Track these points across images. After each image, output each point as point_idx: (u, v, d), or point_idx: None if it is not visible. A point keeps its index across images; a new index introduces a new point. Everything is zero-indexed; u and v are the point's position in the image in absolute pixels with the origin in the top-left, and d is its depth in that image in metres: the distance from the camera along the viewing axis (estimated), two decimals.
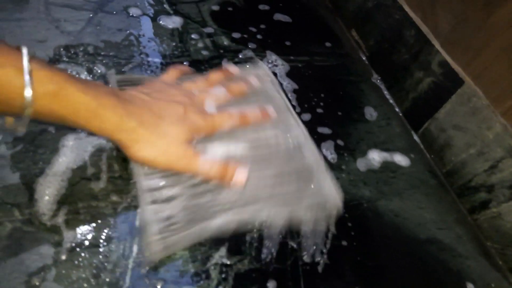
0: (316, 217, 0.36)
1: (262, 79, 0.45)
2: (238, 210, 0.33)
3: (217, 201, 0.34)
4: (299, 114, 0.47)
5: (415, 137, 0.51)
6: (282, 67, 0.51)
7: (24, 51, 0.26)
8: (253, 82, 0.43)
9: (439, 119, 0.48)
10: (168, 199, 0.33)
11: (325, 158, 0.44)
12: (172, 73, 0.41)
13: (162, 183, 0.33)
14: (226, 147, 0.37)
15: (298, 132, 0.41)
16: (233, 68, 0.44)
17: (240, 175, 0.34)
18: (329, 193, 0.37)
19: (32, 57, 0.26)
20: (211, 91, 0.39)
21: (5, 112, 0.27)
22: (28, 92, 0.25)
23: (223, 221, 0.33)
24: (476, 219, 0.44)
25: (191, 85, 0.39)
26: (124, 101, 0.31)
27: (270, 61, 0.51)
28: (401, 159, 0.46)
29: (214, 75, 0.42)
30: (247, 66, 0.47)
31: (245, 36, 0.54)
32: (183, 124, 0.34)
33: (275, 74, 0.50)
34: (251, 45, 0.53)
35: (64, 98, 0.27)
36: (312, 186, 0.37)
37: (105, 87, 0.32)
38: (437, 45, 0.47)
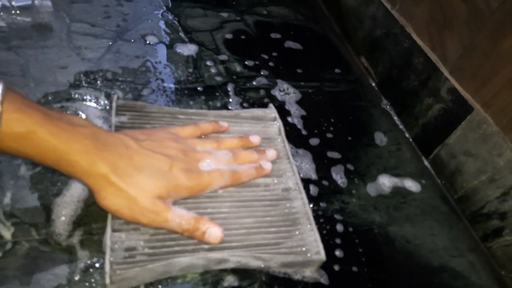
0: (295, 261, 0.34)
1: (269, 124, 0.45)
2: (202, 254, 0.32)
3: (182, 240, 0.33)
4: (307, 138, 0.48)
5: (426, 163, 0.51)
6: (293, 95, 0.53)
7: None
8: (270, 154, 0.40)
9: (450, 145, 0.48)
10: (133, 230, 0.32)
11: (335, 182, 0.44)
12: (187, 129, 0.39)
13: None
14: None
15: (291, 181, 0.40)
16: (255, 139, 0.41)
17: (213, 234, 0.32)
18: (311, 241, 0.35)
19: (8, 95, 0.26)
20: (215, 152, 0.37)
21: None
22: None
23: (187, 262, 0.31)
24: (489, 247, 0.43)
25: (197, 142, 0.38)
26: (102, 146, 0.30)
27: (281, 89, 0.53)
28: (411, 185, 0.46)
29: (229, 141, 0.40)
30: (257, 109, 0.47)
31: (257, 63, 0.56)
32: (161, 180, 0.32)
33: (284, 102, 0.51)
34: (263, 72, 0.55)
35: (31, 141, 0.27)
36: (295, 233, 0.36)
37: (87, 128, 0.31)
38: (446, 73, 0.48)
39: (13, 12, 0.46)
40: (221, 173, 0.36)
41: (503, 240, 0.42)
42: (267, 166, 0.39)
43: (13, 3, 0.46)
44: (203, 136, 0.40)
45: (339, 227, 0.40)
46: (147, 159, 0.32)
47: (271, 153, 0.41)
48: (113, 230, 0.31)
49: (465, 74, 0.46)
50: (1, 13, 0.45)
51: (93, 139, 0.30)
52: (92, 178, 0.30)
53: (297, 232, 0.36)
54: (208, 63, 0.53)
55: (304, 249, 0.35)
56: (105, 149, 0.30)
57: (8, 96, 0.27)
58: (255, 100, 0.50)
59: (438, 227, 0.43)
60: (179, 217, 0.32)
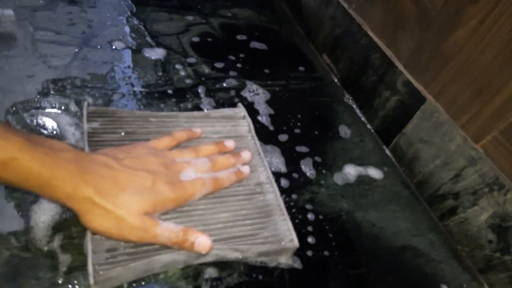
0: (271, 250, 0.36)
1: (239, 123, 0.47)
2: (182, 250, 0.33)
3: None
4: (276, 134, 0.50)
5: (387, 152, 0.55)
6: (263, 95, 0.55)
7: None
8: (245, 156, 0.42)
9: (407, 133, 0.52)
10: None
11: (305, 174, 0.47)
12: (164, 141, 0.40)
13: None
14: None
15: (263, 175, 0.42)
16: (229, 143, 0.43)
17: (202, 244, 0.33)
18: (285, 230, 0.38)
19: None
20: (195, 161, 0.38)
21: None
22: None
23: (168, 259, 0.33)
24: (446, 225, 0.47)
25: (175, 153, 0.39)
26: (84, 169, 0.30)
27: (251, 90, 0.55)
28: (375, 173, 0.50)
29: (206, 149, 0.41)
30: (226, 109, 0.49)
31: (225, 64, 0.58)
32: (146, 196, 0.33)
33: (253, 102, 0.53)
34: (231, 73, 0.57)
35: (14, 167, 0.27)
36: (269, 223, 0.38)
37: (69, 152, 0.31)
38: (400, 67, 0.52)
39: None
40: (203, 182, 0.37)
41: (457, 218, 0.46)
42: (245, 170, 0.41)
43: None
44: (180, 146, 0.42)
45: (310, 216, 0.42)
46: (130, 177, 0.33)
47: (246, 155, 0.42)
48: (93, 233, 0.32)
49: (417, 68, 0.50)
50: None
51: (75, 164, 0.30)
52: (77, 202, 0.30)
53: (271, 223, 0.38)
54: (177, 66, 0.55)
55: (278, 238, 0.37)
56: (88, 172, 0.31)
57: None
58: (225, 100, 0.52)
59: (400, 210, 0.47)
60: (167, 231, 0.32)
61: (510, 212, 0.40)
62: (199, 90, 0.52)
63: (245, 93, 0.54)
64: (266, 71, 0.60)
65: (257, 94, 0.55)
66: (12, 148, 0.27)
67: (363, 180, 0.49)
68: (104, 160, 0.33)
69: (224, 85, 0.54)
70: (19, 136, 0.28)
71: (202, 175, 0.38)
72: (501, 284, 0.42)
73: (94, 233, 0.32)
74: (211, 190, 0.38)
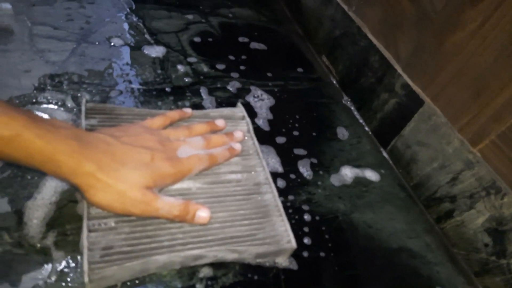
0: (268, 251, 0.36)
1: (238, 123, 0.47)
2: (179, 252, 0.33)
3: (157, 237, 0.33)
4: (275, 136, 0.50)
5: (384, 154, 0.55)
6: (267, 100, 0.54)
7: None
8: (237, 136, 0.44)
9: (405, 136, 0.52)
10: (109, 229, 0.32)
11: (302, 175, 0.47)
12: (158, 120, 0.41)
13: (105, 213, 0.33)
14: (180, 185, 0.37)
15: (261, 176, 0.42)
16: (220, 122, 0.45)
17: (202, 215, 0.34)
18: (282, 231, 0.37)
19: None
20: (189, 139, 0.40)
21: None
22: None
23: (164, 260, 0.32)
24: (443, 228, 0.47)
25: (170, 132, 0.40)
26: (85, 145, 0.31)
27: (256, 95, 0.54)
28: (371, 175, 0.50)
29: (199, 127, 0.42)
30: (226, 108, 0.48)
31: (224, 63, 0.58)
32: (146, 170, 0.34)
33: (255, 107, 0.53)
34: (231, 73, 0.56)
35: (18, 143, 0.28)
36: (266, 224, 0.38)
37: (69, 129, 0.32)
38: (399, 69, 0.52)
39: None
40: (199, 158, 0.38)
41: (454, 221, 0.46)
42: (237, 146, 0.43)
43: None
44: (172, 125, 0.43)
45: (307, 217, 0.42)
46: (129, 153, 0.34)
47: (238, 134, 0.44)
48: (89, 231, 0.32)
49: (416, 71, 0.50)
50: None
51: (76, 139, 0.31)
52: (80, 177, 0.31)
53: (268, 224, 0.38)
54: (175, 64, 0.54)
55: (276, 239, 0.37)
56: (89, 147, 0.31)
57: None
58: (224, 99, 0.52)
59: (396, 212, 0.47)
60: (168, 204, 0.34)
61: (507, 216, 0.40)
62: (201, 89, 0.52)
63: (249, 98, 0.54)
64: (266, 71, 0.59)
65: (261, 99, 0.54)
66: (16, 125, 0.28)
67: (360, 181, 0.49)
68: (102, 138, 0.34)
69: (229, 88, 0.54)
70: (22, 114, 0.29)
71: (198, 151, 0.39)
72: None
73: (98, 207, 0.32)
74: (207, 166, 0.39)
